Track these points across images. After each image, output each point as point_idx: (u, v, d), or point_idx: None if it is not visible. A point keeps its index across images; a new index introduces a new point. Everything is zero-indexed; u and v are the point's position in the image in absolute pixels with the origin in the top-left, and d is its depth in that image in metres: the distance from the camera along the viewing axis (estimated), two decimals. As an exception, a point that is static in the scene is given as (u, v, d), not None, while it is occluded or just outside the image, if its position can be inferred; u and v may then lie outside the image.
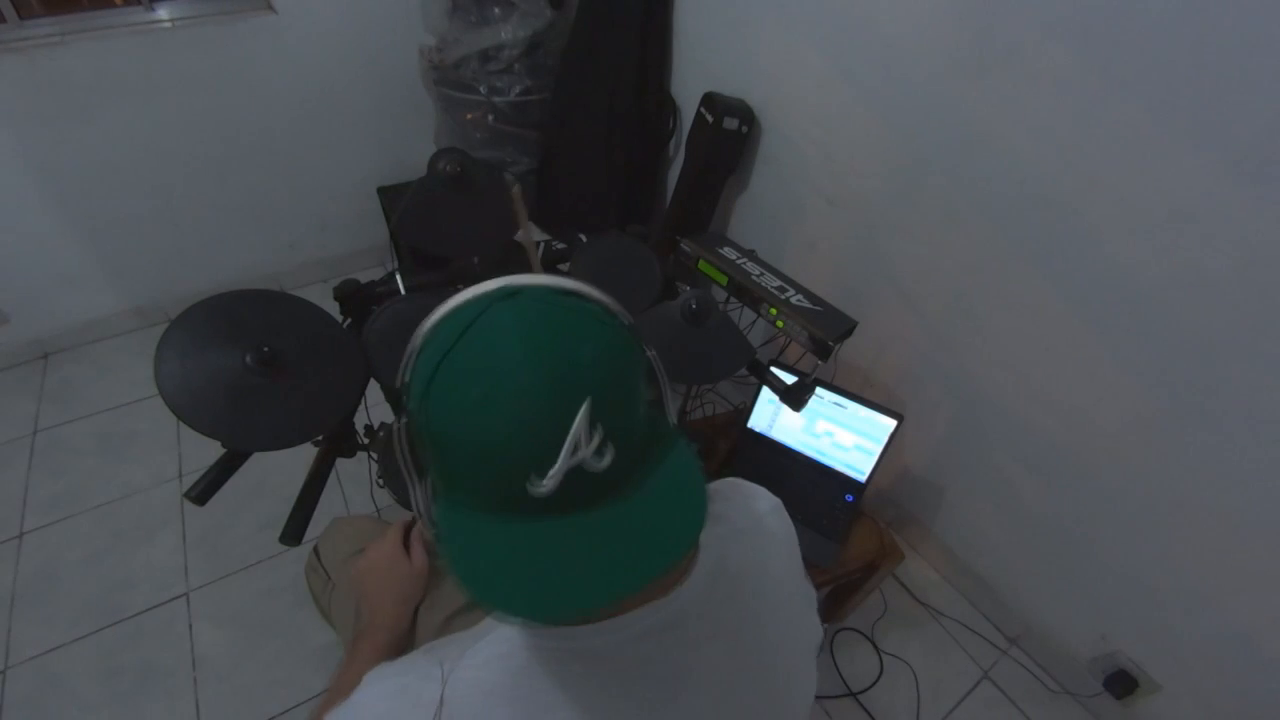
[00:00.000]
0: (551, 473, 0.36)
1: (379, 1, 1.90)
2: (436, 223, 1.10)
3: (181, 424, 0.80)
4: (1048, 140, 1.08)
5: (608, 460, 0.38)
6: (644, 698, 0.46)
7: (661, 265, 1.29)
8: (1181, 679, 1.24)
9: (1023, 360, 1.27)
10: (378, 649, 0.72)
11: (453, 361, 0.38)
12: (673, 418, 0.48)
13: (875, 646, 1.48)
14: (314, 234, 2.24)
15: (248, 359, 0.85)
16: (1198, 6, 0.86)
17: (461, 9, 1.78)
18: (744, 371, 1.25)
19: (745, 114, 1.61)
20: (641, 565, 0.38)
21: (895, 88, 1.29)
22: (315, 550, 1.03)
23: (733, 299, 1.31)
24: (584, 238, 1.28)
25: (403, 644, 0.75)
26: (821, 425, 1.43)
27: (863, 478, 1.41)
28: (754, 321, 1.41)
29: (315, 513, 0.96)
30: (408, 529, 0.85)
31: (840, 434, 1.41)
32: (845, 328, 1.17)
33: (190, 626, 1.41)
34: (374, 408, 1.08)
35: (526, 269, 1.30)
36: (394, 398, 1.22)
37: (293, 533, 0.92)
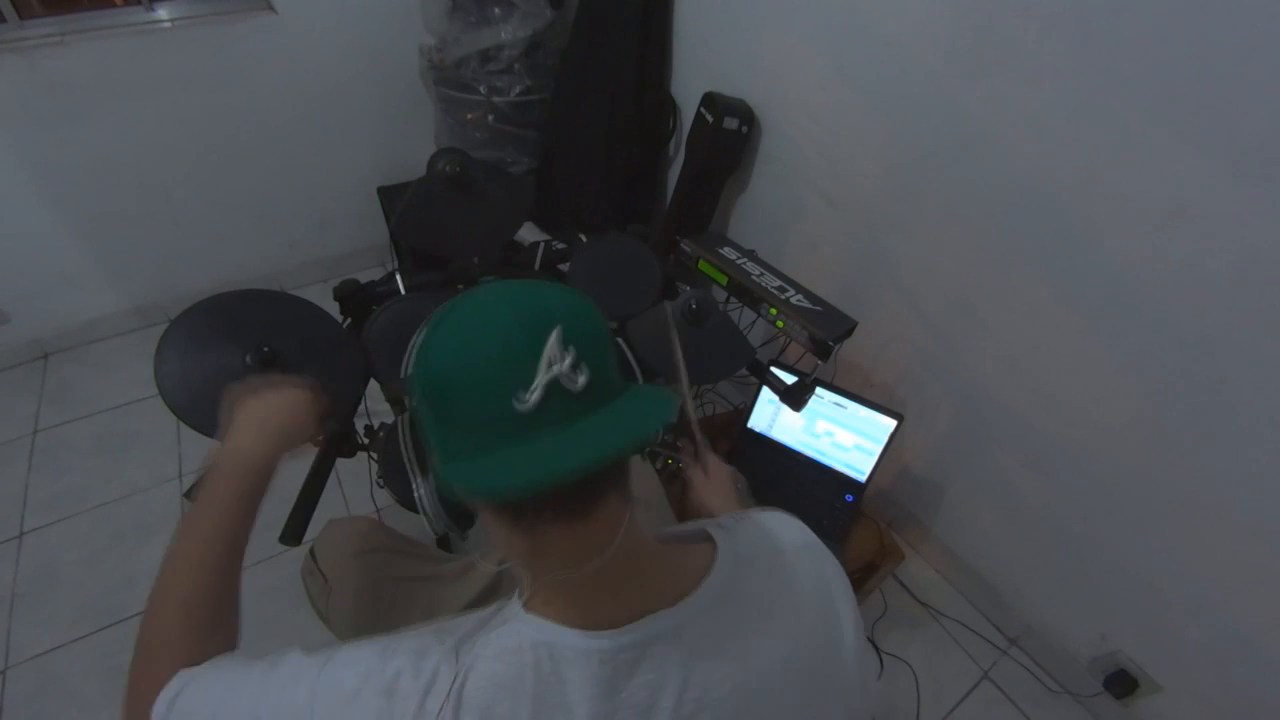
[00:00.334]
0: (533, 386, 0.41)
1: (379, 1, 1.90)
2: (436, 223, 1.10)
3: (181, 424, 0.80)
4: (1048, 139, 1.08)
5: (583, 380, 0.43)
6: (639, 704, 0.46)
7: (661, 265, 1.29)
8: (1181, 679, 1.24)
9: (1023, 360, 1.27)
10: (235, 491, 0.67)
11: (444, 322, 0.45)
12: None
13: (875, 646, 1.48)
14: (314, 234, 2.24)
15: (248, 359, 0.85)
16: (1198, 5, 0.86)
17: (461, 9, 1.78)
18: (744, 371, 1.25)
19: (745, 114, 1.61)
20: (615, 439, 0.42)
21: (895, 87, 1.29)
22: (311, 553, 1.02)
23: (733, 299, 1.31)
24: (584, 238, 1.28)
25: (262, 489, 0.69)
26: (821, 425, 1.43)
27: (863, 478, 1.42)
28: (754, 321, 1.41)
29: (315, 513, 0.96)
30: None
31: (840, 434, 1.41)
32: (845, 328, 1.17)
33: (190, 626, 1.41)
34: (374, 408, 1.08)
35: (526, 268, 1.30)
36: (394, 397, 1.22)
37: (293, 533, 0.92)
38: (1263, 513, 1.02)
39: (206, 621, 0.57)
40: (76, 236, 1.84)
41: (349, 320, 1.11)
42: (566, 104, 1.90)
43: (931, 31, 1.18)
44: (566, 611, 0.48)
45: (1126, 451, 1.16)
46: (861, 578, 1.41)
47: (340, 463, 1.03)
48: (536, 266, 1.27)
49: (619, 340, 0.51)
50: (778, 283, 1.25)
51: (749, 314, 1.30)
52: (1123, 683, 1.30)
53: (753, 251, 1.35)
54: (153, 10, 1.72)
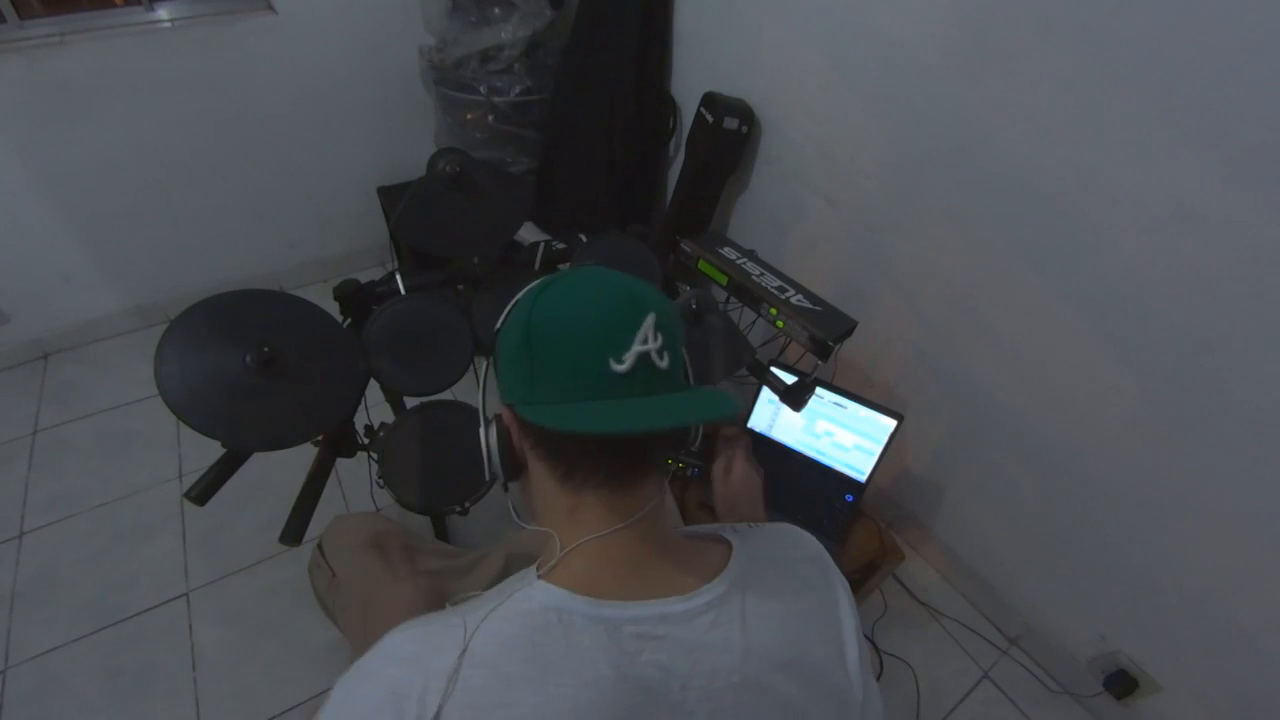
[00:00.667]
0: (628, 354, 0.48)
1: (379, 1, 1.90)
2: (436, 223, 1.10)
3: (181, 424, 0.80)
4: (1047, 140, 1.08)
5: (666, 363, 0.50)
6: (644, 680, 0.47)
7: (661, 265, 1.29)
8: (1181, 679, 1.24)
9: (1023, 360, 1.27)
10: None
11: (557, 284, 0.52)
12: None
13: (875, 646, 1.47)
14: (314, 234, 2.24)
15: (248, 359, 0.85)
16: (1198, 6, 0.86)
17: (461, 9, 1.78)
18: (744, 371, 1.25)
19: (745, 114, 1.61)
20: (697, 412, 0.51)
21: (895, 87, 1.29)
22: (319, 546, 1.03)
23: (733, 299, 1.31)
24: (584, 238, 1.28)
25: None
26: (821, 425, 1.43)
27: (863, 478, 1.42)
28: (754, 321, 1.41)
29: (315, 512, 0.96)
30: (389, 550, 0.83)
31: (840, 434, 1.41)
32: (845, 328, 1.17)
33: (190, 626, 1.41)
34: (374, 408, 1.08)
35: (526, 268, 1.30)
36: (395, 399, 1.22)
37: (293, 533, 0.92)
38: (1263, 513, 1.02)
39: None
40: (76, 236, 1.84)
41: (349, 320, 1.11)
42: (566, 104, 1.90)
43: (932, 32, 1.18)
44: (582, 581, 0.49)
45: (1126, 451, 1.16)
46: (861, 578, 1.41)
47: (340, 463, 1.03)
48: (536, 266, 1.27)
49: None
50: (778, 283, 1.25)
51: (749, 314, 1.30)
52: (1123, 683, 1.30)
53: (753, 251, 1.35)
54: (153, 10, 1.72)
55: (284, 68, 1.87)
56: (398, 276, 1.13)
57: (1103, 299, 1.10)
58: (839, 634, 0.56)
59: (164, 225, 1.95)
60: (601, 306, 0.49)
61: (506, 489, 0.61)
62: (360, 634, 0.85)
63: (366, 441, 1.05)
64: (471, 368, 1.06)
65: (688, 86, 1.84)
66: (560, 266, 1.30)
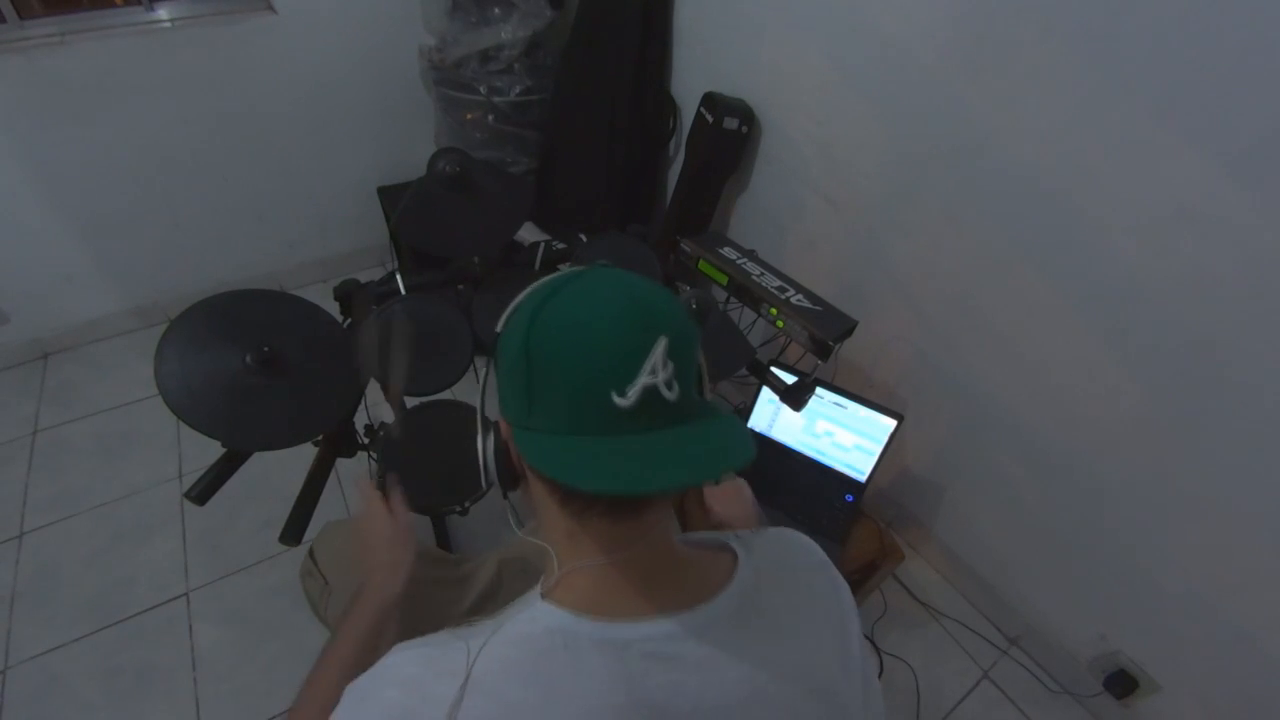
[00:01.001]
0: (632, 387, 0.43)
1: (379, 1, 1.89)
2: (436, 223, 1.10)
3: (181, 424, 0.80)
4: (1047, 139, 1.08)
5: (676, 393, 0.45)
6: (653, 703, 0.46)
7: (661, 265, 1.29)
8: (1181, 679, 1.24)
9: (1023, 359, 1.27)
10: (365, 619, 0.70)
11: (560, 296, 0.47)
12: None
13: (875, 646, 1.47)
14: (314, 234, 2.24)
15: (248, 359, 0.85)
16: (1198, 6, 0.86)
17: (461, 9, 1.78)
18: (744, 371, 1.25)
19: (745, 114, 1.61)
20: (705, 465, 0.44)
21: (895, 87, 1.29)
22: (311, 554, 1.02)
23: (733, 299, 1.31)
24: (584, 238, 1.28)
25: (391, 614, 0.72)
26: (821, 425, 1.43)
27: (863, 478, 1.42)
28: (754, 321, 1.41)
29: (315, 513, 0.96)
30: (383, 490, 0.83)
31: (840, 434, 1.41)
32: (845, 328, 1.17)
33: (190, 626, 1.41)
34: (374, 408, 1.08)
35: (526, 268, 1.30)
36: (394, 398, 1.22)
37: (293, 533, 0.92)
38: (1263, 513, 1.02)
39: None
40: (76, 236, 1.84)
41: (349, 320, 1.11)
42: (566, 104, 1.90)
43: (932, 32, 1.18)
44: (586, 602, 0.48)
45: (1127, 451, 1.16)
46: (861, 578, 1.41)
47: (340, 463, 1.03)
48: (536, 266, 1.27)
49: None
50: (778, 282, 1.25)
51: (749, 314, 1.30)
52: (1123, 683, 1.30)
53: (753, 251, 1.35)
54: (153, 10, 1.72)
55: (284, 68, 1.87)
56: (398, 276, 1.13)
57: (1103, 298, 1.10)
58: (845, 643, 0.55)
59: (164, 225, 1.95)
60: (608, 329, 0.45)
61: (506, 496, 0.59)
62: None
63: (366, 441, 1.05)
64: (472, 368, 1.06)
65: (688, 86, 1.84)
66: (560, 266, 1.30)
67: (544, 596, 0.49)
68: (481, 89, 1.84)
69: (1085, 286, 1.12)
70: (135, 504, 1.63)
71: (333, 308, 1.05)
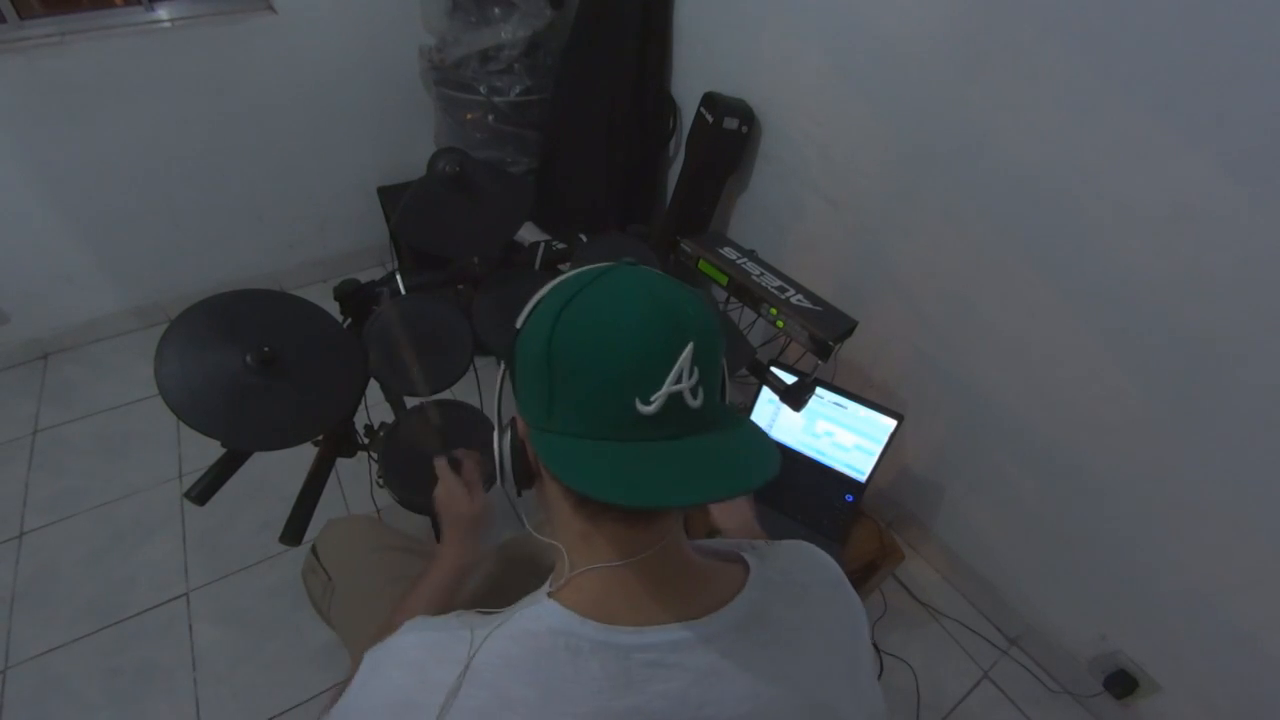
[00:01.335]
0: (657, 395, 0.42)
1: (379, 1, 1.90)
2: (436, 223, 1.10)
3: (181, 424, 0.80)
4: (1047, 139, 1.08)
5: (700, 401, 0.44)
6: (650, 711, 0.46)
7: (661, 265, 1.29)
8: (1181, 679, 1.24)
9: (1023, 360, 1.27)
10: (440, 580, 0.76)
11: (585, 296, 0.45)
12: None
13: (875, 646, 1.47)
14: (314, 234, 2.24)
15: (248, 359, 0.85)
16: (1198, 6, 0.86)
17: (461, 9, 1.78)
18: (744, 371, 1.25)
19: (745, 114, 1.61)
20: (728, 480, 0.43)
21: (895, 87, 1.29)
22: (314, 551, 1.03)
23: (733, 299, 1.31)
24: (584, 238, 1.28)
25: (466, 575, 0.78)
26: (821, 425, 1.43)
27: (863, 478, 1.42)
28: (754, 321, 1.41)
29: (315, 513, 0.96)
30: (455, 466, 0.87)
31: (840, 434, 1.41)
32: (845, 328, 1.17)
33: (190, 626, 1.41)
34: (374, 408, 1.08)
35: (526, 269, 1.30)
36: (395, 398, 1.22)
37: (293, 533, 0.92)
38: (1263, 513, 1.02)
39: None
40: (76, 236, 1.84)
41: (349, 320, 1.11)
42: (566, 104, 1.90)
43: (932, 31, 1.18)
44: (593, 604, 0.47)
45: (1127, 451, 1.16)
46: (861, 578, 1.41)
47: (340, 463, 1.03)
48: (536, 266, 1.27)
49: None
50: (778, 283, 1.25)
51: (749, 314, 1.30)
52: (1123, 683, 1.30)
53: (753, 251, 1.35)
54: (153, 10, 1.72)
55: (284, 68, 1.87)
56: (398, 276, 1.13)
57: (1103, 298, 1.10)
58: (853, 660, 0.55)
59: (164, 225, 1.95)
60: (634, 333, 0.43)
61: (520, 494, 0.58)
62: (359, 638, 0.85)
63: (366, 441, 1.05)
64: (472, 368, 1.06)
65: (688, 86, 1.84)
66: (560, 267, 1.30)
67: (551, 595, 0.48)
68: (481, 89, 1.84)
69: (1085, 286, 1.12)
70: (135, 504, 1.63)
71: (333, 308, 1.05)
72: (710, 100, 1.65)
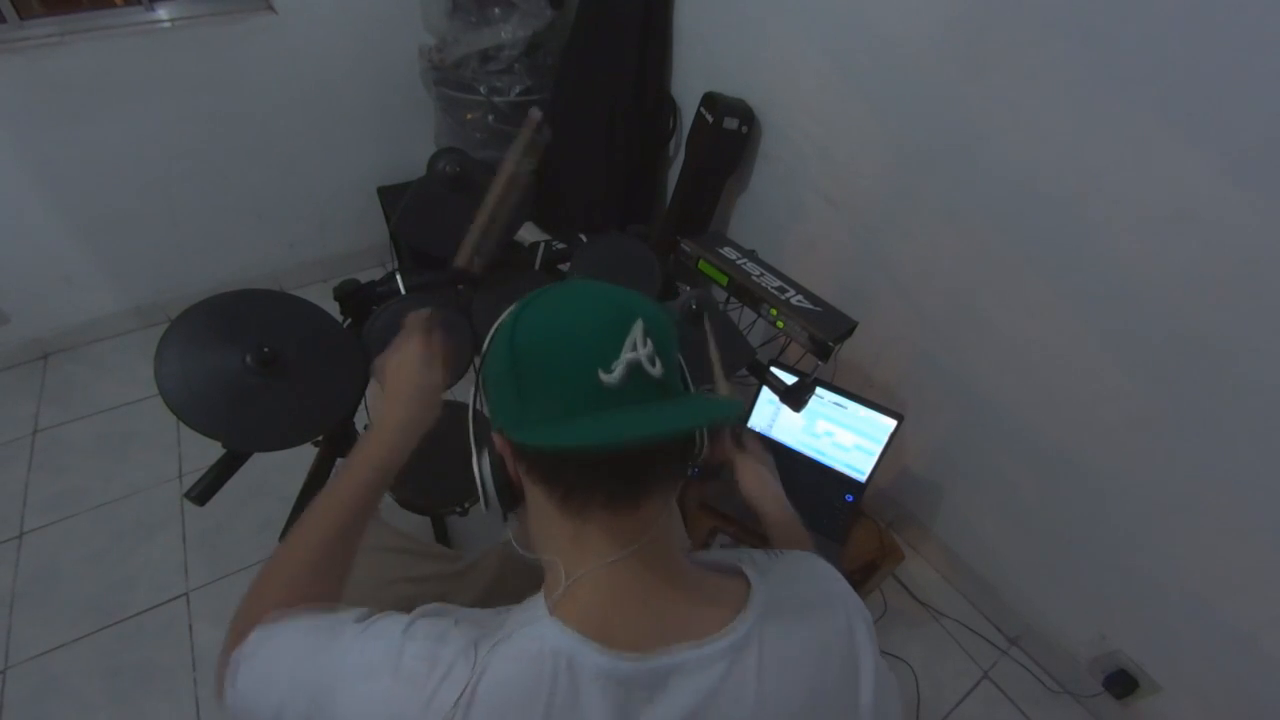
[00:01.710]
0: (616, 363, 0.45)
1: (379, 1, 1.89)
2: (436, 223, 1.10)
3: (181, 424, 0.80)
4: (1048, 139, 1.08)
5: (659, 370, 0.47)
6: None
7: (661, 265, 1.29)
8: (1181, 679, 1.24)
9: (1023, 360, 1.27)
10: (368, 463, 0.65)
11: (538, 300, 0.50)
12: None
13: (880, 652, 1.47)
14: (314, 234, 2.24)
15: (248, 359, 0.85)
16: (1198, 6, 0.86)
17: (461, 9, 1.78)
18: (744, 371, 1.25)
19: (745, 114, 1.61)
20: (692, 418, 0.47)
21: (895, 87, 1.29)
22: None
23: (733, 299, 1.31)
24: (584, 238, 1.28)
25: (393, 471, 0.67)
26: (821, 425, 1.43)
27: (863, 478, 1.42)
28: (754, 321, 1.41)
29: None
30: (428, 329, 0.78)
31: (840, 434, 1.41)
32: (845, 328, 1.17)
33: (190, 626, 1.41)
34: (374, 408, 1.08)
35: (526, 269, 1.30)
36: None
37: (293, 533, 0.92)
38: (1263, 513, 1.02)
39: (308, 574, 0.58)
40: (76, 236, 1.84)
41: (349, 320, 1.11)
42: (566, 104, 1.90)
43: (932, 32, 1.18)
44: (592, 621, 0.47)
45: (1126, 451, 1.16)
46: (861, 578, 1.41)
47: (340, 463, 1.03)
48: (536, 266, 1.27)
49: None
50: (778, 283, 1.25)
51: (749, 314, 1.30)
52: (1123, 683, 1.30)
53: (753, 251, 1.35)
54: (153, 10, 1.72)
55: (284, 68, 1.87)
56: (398, 276, 1.13)
57: (1103, 298, 1.10)
58: (855, 676, 0.54)
59: (164, 225, 1.95)
60: (586, 316, 0.47)
61: (506, 519, 0.58)
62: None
63: (366, 442, 1.05)
64: (472, 368, 1.06)
65: (688, 86, 1.84)
66: (560, 267, 1.30)
67: (553, 612, 0.48)
68: (481, 89, 1.84)
69: (1085, 286, 1.12)
70: (135, 504, 1.63)
71: (333, 308, 1.05)
72: (710, 100, 1.65)
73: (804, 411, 1.28)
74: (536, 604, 0.50)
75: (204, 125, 1.84)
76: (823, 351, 1.16)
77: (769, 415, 1.49)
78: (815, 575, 0.59)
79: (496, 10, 1.77)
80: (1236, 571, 1.09)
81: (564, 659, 0.45)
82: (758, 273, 1.27)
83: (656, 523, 0.50)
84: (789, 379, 1.25)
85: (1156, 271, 1.01)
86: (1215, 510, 1.07)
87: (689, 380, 0.56)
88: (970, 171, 1.22)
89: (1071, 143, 1.05)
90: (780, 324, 1.21)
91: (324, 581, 0.58)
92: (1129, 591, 1.26)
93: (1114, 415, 1.16)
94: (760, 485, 0.88)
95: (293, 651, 0.50)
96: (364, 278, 1.14)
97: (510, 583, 0.92)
